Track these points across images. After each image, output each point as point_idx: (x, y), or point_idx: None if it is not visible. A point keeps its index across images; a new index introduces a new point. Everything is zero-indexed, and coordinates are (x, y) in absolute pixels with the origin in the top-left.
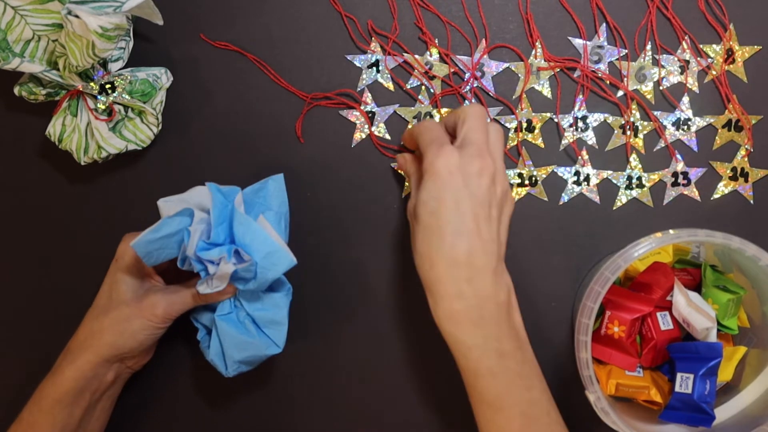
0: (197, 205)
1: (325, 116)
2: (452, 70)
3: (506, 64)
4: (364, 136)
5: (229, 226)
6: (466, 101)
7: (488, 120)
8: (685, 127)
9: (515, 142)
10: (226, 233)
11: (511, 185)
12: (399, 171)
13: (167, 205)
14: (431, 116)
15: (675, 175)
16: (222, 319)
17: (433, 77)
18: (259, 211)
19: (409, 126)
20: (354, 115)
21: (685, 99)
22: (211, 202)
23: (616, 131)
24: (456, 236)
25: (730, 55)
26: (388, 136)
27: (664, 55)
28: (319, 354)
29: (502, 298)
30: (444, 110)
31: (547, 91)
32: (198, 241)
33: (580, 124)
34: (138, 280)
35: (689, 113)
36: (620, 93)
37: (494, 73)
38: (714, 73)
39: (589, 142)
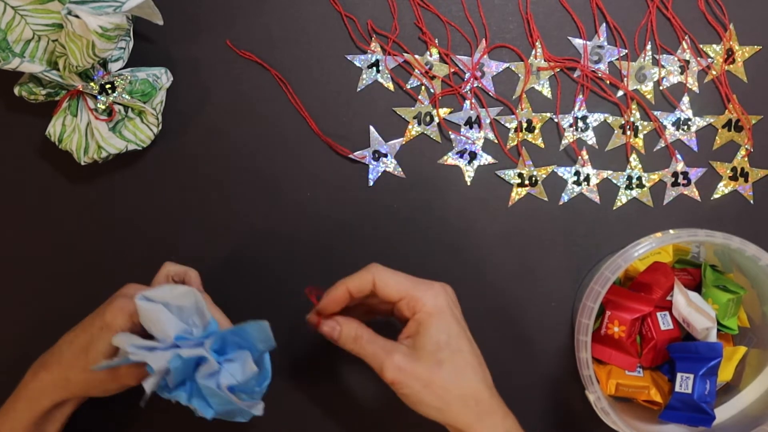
0: (178, 309)
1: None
2: (452, 70)
3: (506, 64)
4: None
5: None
6: (467, 101)
7: None
8: (685, 127)
9: (515, 142)
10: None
11: (511, 185)
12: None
13: (146, 306)
14: (431, 116)
15: (675, 175)
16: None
17: (433, 77)
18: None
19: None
20: (361, 156)
21: (685, 99)
22: (192, 308)
23: (616, 131)
24: (482, 363)
25: (730, 55)
26: (399, 169)
27: (664, 55)
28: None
29: None
30: (443, 110)
31: (547, 91)
32: (158, 384)
33: (580, 124)
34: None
35: (689, 113)
36: (620, 93)
37: (494, 73)
38: (714, 73)
39: (589, 142)
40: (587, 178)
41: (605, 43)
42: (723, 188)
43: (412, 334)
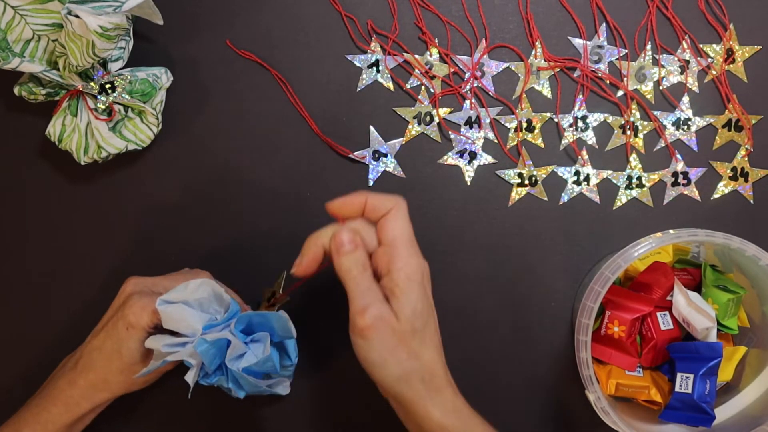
0: (197, 302)
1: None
2: (452, 70)
3: (506, 64)
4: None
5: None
6: (467, 101)
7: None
8: (685, 127)
9: (515, 142)
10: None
11: (511, 185)
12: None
13: (168, 309)
14: (431, 116)
15: (675, 175)
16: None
17: (433, 77)
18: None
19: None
20: (361, 155)
21: (685, 99)
22: (210, 297)
23: (616, 131)
24: (440, 343)
25: (730, 55)
26: (399, 169)
27: (664, 55)
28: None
29: None
30: (443, 110)
31: (547, 91)
32: (198, 375)
33: (580, 124)
34: (143, 345)
35: (689, 113)
36: (620, 93)
37: (494, 73)
38: (714, 72)
39: (589, 142)
40: (587, 178)
41: (605, 43)
42: (723, 188)
43: (387, 294)
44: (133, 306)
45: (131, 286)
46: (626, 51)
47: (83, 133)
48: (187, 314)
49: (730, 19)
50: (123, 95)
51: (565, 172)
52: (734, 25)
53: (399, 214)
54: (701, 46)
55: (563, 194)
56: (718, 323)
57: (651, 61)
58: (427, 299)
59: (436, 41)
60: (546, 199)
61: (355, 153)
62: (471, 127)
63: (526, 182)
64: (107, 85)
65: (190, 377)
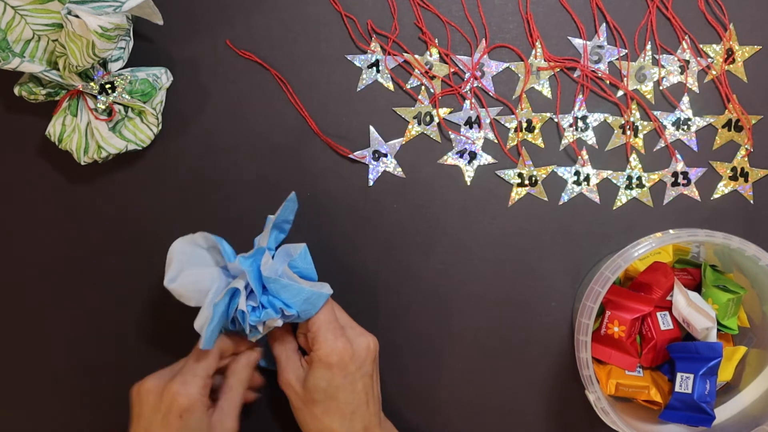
0: (190, 262)
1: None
2: (452, 70)
3: (506, 64)
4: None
5: (261, 286)
6: (467, 101)
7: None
8: (685, 127)
9: (515, 142)
10: (261, 292)
11: (511, 185)
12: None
13: (176, 284)
14: (431, 116)
15: (675, 175)
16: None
17: (433, 77)
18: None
19: None
20: (362, 156)
21: (685, 99)
22: (197, 249)
23: (616, 131)
24: (353, 413)
25: (730, 55)
26: (399, 169)
27: (664, 55)
28: None
29: None
30: (443, 110)
31: (547, 91)
32: (246, 310)
33: (580, 124)
34: (207, 421)
35: (689, 113)
36: (620, 93)
37: (494, 73)
38: (714, 72)
39: (589, 142)
40: (587, 178)
41: (605, 43)
42: (723, 188)
43: (308, 364)
44: (179, 393)
45: (149, 384)
46: (626, 51)
47: (83, 133)
48: (196, 272)
49: (730, 19)
50: (123, 95)
51: (565, 172)
52: (734, 25)
53: (323, 307)
54: (701, 46)
55: (563, 194)
56: (718, 323)
57: (651, 61)
58: (342, 378)
59: (436, 41)
60: (546, 199)
61: (355, 153)
62: (471, 127)
63: (526, 182)
64: (107, 85)
65: (243, 304)
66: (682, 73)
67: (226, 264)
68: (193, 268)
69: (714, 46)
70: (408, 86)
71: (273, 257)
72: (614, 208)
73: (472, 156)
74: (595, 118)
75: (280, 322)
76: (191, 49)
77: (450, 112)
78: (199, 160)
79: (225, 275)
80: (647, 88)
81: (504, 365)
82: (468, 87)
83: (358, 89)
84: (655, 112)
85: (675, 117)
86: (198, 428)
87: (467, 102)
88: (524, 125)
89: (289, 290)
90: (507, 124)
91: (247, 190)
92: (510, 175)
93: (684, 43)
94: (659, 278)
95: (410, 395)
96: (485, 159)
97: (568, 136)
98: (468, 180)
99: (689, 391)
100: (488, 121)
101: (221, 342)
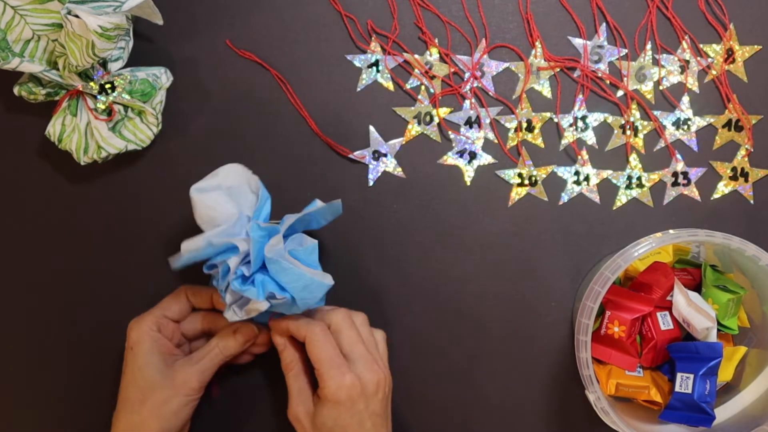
0: (229, 190)
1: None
2: (452, 69)
3: (506, 64)
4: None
5: (261, 262)
6: (467, 101)
7: (355, 320)
8: (685, 127)
9: (515, 142)
10: (257, 268)
11: (511, 185)
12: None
13: (202, 197)
14: (431, 116)
15: (675, 175)
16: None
17: (433, 77)
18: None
19: (293, 322)
20: (362, 156)
21: (685, 99)
22: (244, 184)
23: (616, 131)
24: None
25: (730, 55)
26: (399, 169)
27: (664, 55)
28: None
29: None
30: (443, 110)
31: (547, 91)
32: (235, 273)
33: (580, 123)
34: (161, 361)
35: (689, 113)
36: (620, 93)
37: (494, 73)
38: (714, 72)
39: (589, 142)
40: (587, 178)
41: (605, 43)
42: (723, 188)
43: (317, 401)
44: (133, 329)
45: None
46: (626, 51)
47: (83, 133)
48: (223, 200)
49: (730, 19)
50: (123, 95)
51: (565, 172)
52: (734, 25)
53: (314, 339)
54: (701, 46)
55: (563, 194)
56: (718, 323)
57: (651, 61)
58: (349, 417)
59: (436, 41)
60: (546, 199)
61: (355, 153)
62: (471, 127)
63: (526, 182)
64: (107, 85)
65: (233, 263)
66: (682, 73)
67: (251, 216)
68: (225, 196)
69: (714, 46)
70: (408, 86)
71: (284, 241)
72: (614, 208)
73: (472, 156)
74: (595, 118)
75: (263, 306)
76: (191, 49)
77: (450, 112)
78: (199, 160)
79: (242, 224)
80: (647, 88)
81: (504, 365)
82: (468, 87)
83: (358, 89)
84: (655, 112)
85: (675, 117)
86: (146, 363)
87: (467, 102)
88: (524, 125)
89: (289, 274)
90: (507, 124)
91: None
92: (510, 175)
93: (684, 43)
94: (659, 278)
95: (410, 395)
96: (485, 159)
97: (568, 136)
98: (468, 180)
99: (689, 391)
100: (488, 121)
101: (197, 296)
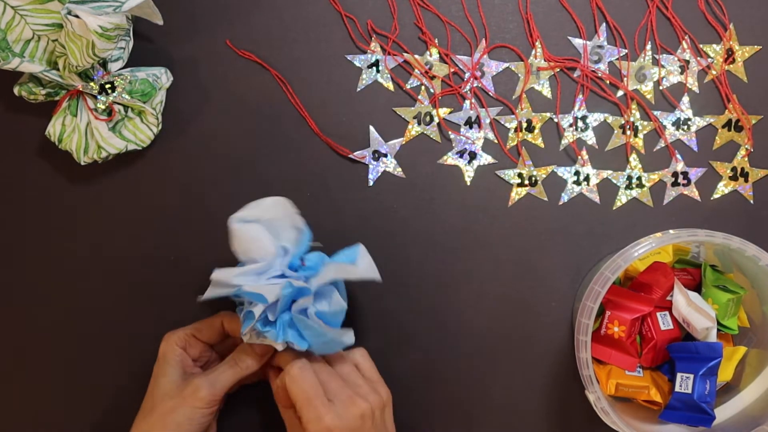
0: (269, 223)
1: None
2: (452, 70)
3: (506, 64)
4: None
5: (288, 309)
6: (467, 101)
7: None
8: (685, 127)
9: (515, 142)
10: (281, 313)
11: (511, 185)
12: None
13: (242, 228)
14: (431, 116)
15: (675, 175)
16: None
17: (433, 77)
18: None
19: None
20: (362, 156)
21: (685, 99)
22: (285, 218)
23: (616, 131)
24: None
25: (730, 55)
26: (399, 169)
27: (664, 55)
28: None
29: None
30: (443, 110)
31: (547, 91)
32: (259, 316)
33: (580, 124)
34: (179, 373)
35: (689, 113)
36: (620, 93)
37: (494, 73)
38: (714, 72)
39: (589, 142)
40: (587, 178)
41: (605, 43)
42: (723, 188)
43: None
44: (165, 340)
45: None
46: (626, 51)
47: (83, 133)
48: (263, 235)
49: (730, 19)
50: (123, 95)
51: (565, 172)
52: (734, 25)
53: (288, 380)
54: (701, 46)
55: (563, 194)
56: (718, 323)
57: (651, 61)
58: None
59: (436, 41)
60: (546, 199)
61: (355, 153)
62: (471, 127)
63: (526, 182)
64: (107, 85)
65: (257, 311)
66: (682, 73)
67: (287, 252)
68: (265, 230)
69: (714, 46)
70: (408, 86)
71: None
72: (614, 208)
73: (472, 156)
74: (595, 118)
75: (280, 347)
76: (191, 49)
77: (450, 112)
78: (199, 160)
79: (278, 259)
80: (647, 88)
81: (504, 365)
82: (468, 87)
83: (358, 89)
84: (655, 112)
85: (675, 117)
86: (164, 374)
87: (467, 102)
88: (524, 125)
89: (314, 331)
90: (507, 124)
91: (246, 191)
92: (510, 175)
93: (684, 43)
94: (659, 278)
95: (410, 395)
96: (485, 159)
97: (568, 136)
98: (468, 180)
99: (689, 391)
100: (488, 121)
101: (233, 324)
